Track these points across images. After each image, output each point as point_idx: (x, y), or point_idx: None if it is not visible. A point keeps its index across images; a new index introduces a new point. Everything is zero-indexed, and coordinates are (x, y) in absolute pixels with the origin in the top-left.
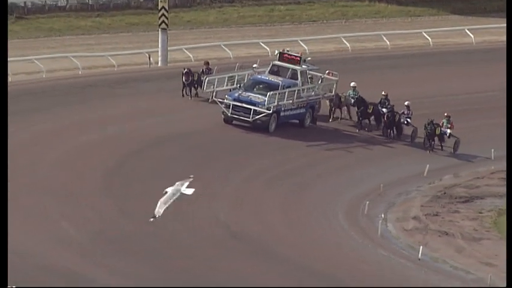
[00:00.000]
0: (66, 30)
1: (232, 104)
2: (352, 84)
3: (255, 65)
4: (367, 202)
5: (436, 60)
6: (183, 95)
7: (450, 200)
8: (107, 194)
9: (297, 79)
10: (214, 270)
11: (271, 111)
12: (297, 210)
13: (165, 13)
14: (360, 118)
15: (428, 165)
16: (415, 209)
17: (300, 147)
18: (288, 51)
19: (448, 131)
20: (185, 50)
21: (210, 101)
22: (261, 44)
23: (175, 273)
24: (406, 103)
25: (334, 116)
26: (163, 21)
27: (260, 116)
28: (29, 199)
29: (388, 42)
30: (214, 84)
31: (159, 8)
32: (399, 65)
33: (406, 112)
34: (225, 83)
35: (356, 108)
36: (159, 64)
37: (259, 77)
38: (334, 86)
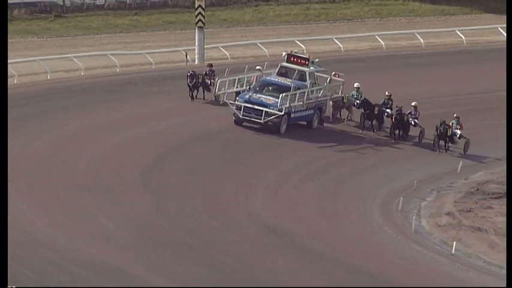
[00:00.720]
0: (104, 29)
1: (244, 106)
2: (355, 84)
3: (258, 67)
4: (401, 198)
5: (470, 58)
6: (192, 98)
7: (483, 196)
8: (145, 190)
9: (305, 80)
10: (250, 265)
11: (282, 113)
12: (332, 206)
13: (202, 12)
14: (365, 120)
15: (461, 162)
16: (448, 205)
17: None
18: (295, 52)
19: (458, 132)
20: (221, 48)
21: (221, 102)
22: (297, 42)
23: (213, 268)
24: (413, 104)
25: (338, 117)
26: (200, 20)
27: (272, 117)
28: (68, 195)
29: (422, 41)
30: (225, 86)
31: (196, 7)
32: (433, 63)
33: (413, 113)
34: (235, 85)
35: (362, 110)
36: (196, 62)
37: (269, 78)
38: (341, 87)
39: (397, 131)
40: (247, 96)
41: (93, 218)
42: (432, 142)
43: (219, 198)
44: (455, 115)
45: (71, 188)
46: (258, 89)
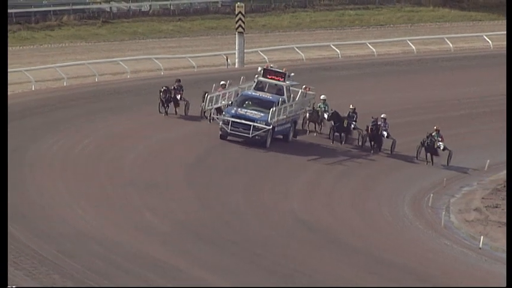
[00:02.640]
0: (149, 34)
1: (232, 121)
2: (322, 97)
3: (222, 82)
4: (431, 195)
5: (497, 62)
6: (166, 113)
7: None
8: (187, 186)
9: (282, 94)
10: (288, 259)
11: (271, 127)
12: (365, 203)
13: (242, 18)
14: (336, 133)
15: (488, 160)
16: (476, 201)
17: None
18: (271, 67)
19: (442, 144)
20: (260, 52)
21: (209, 119)
22: (332, 46)
23: (253, 262)
24: (382, 115)
25: (310, 129)
26: (240, 25)
27: (260, 131)
28: (114, 190)
29: (451, 45)
30: (212, 102)
31: (236, 13)
32: (462, 66)
33: (382, 125)
34: (220, 101)
35: (332, 122)
36: (236, 65)
37: (250, 93)
38: (313, 101)
39: (372, 143)
40: (233, 111)
41: (138, 212)
42: (416, 153)
43: (257, 194)
44: (435, 127)
45: (116, 184)
46: (240, 103)
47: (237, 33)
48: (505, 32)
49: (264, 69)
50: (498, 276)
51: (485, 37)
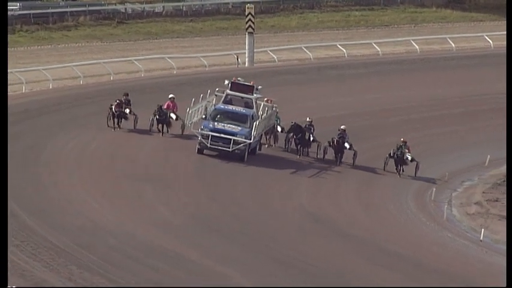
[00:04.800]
0: (162, 34)
1: (211, 135)
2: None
3: (171, 95)
4: (434, 189)
5: (497, 61)
6: (119, 127)
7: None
8: (199, 181)
9: (252, 108)
10: (295, 250)
11: (251, 140)
12: (370, 197)
13: (252, 18)
14: (298, 145)
15: (489, 156)
16: (477, 195)
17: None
18: (239, 80)
19: (409, 156)
20: (269, 52)
21: (184, 131)
22: (338, 46)
23: (260, 254)
24: (342, 127)
25: (263, 142)
26: (250, 26)
27: (240, 145)
28: (129, 185)
29: (453, 45)
30: (190, 115)
31: (246, 14)
32: (463, 65)
33: (343, 136)
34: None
35: (293, 135)
36: (246, 64)
37: (223, 107)
38: (275, 113)
39: (338, 155)
40: (211, 125)
41: (152, 206)
42: (383, 164)
43: (264, 187)
44: (402, 139)
45: (131, 179)
46: (215, 117)
47: (247, 33)
48: (505, 32)
49: (232, 83)
50: (498, 268)
51: (486, 37)
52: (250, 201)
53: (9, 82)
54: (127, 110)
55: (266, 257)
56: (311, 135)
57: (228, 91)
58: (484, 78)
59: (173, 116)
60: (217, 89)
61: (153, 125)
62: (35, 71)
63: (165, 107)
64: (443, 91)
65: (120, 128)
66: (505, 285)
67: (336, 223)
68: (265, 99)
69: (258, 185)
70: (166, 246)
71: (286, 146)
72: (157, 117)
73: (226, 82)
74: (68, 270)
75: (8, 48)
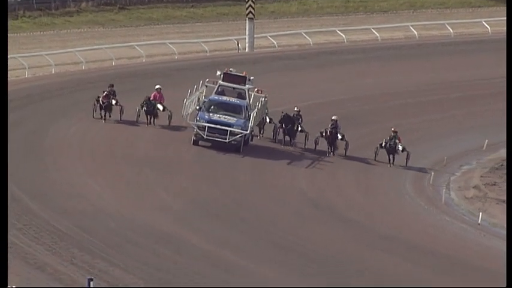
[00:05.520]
0: (163, 20)
1: (208, 126)
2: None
3: (157, 86)
4: (432, 173)
5: (495, 47)
6: (105, 119)
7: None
8: (199, 166)
9: (244, 98)
10: (294, 235)
11: (248, 132)
12: (368, 183)
13: (252, 4)
14: (288, 136)
15: (487, 140)
16: (475, 179)
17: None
18: (231, 71)
19: (401, 146)
20: (269, 37)
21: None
22: (337, 31)
23: (260, 238)
24: (333, 117)
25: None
26: (250, 12)
27: (237, 136)
28: (130, 170)
29: (451, 30)
30: (186, 106)
31: (247, 0)
32: (461, 51)
33: (335, 126)
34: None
35: (283, 125)
36: (247, 50)
37: (217, 98)
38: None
39: (331, 146)
40: (206, 117)
41: (153, 191)
42: (374, 154)
43: (266, 173)
44: (392, 129)
45: (132, 164)
46: (209, 108)
47: (247, 19)
48: (504, 18)
49: (224, 73)
50: (496, 251)
51: (484, 23)
52: (249, 187)
53: (11, 67)
54: (113, 101)
55: (266, 242)
56: (299, 126)
57: (221, 82)
58: (481, 64)
59: (160, 107)
60: (207, 80)
61: (140, 115)
62: (38, 56)
63: (151, 98)
64: (441, 76)
65: (106, 119)
66: (505, 286)
67: (335, 208)
68: (255, 89)
69: (255, 172)
70: (166, 231)
71: (274, 137)
72: (145, 108)
73: (219, 73)
74: (69, 253)
75: (11, 34)
